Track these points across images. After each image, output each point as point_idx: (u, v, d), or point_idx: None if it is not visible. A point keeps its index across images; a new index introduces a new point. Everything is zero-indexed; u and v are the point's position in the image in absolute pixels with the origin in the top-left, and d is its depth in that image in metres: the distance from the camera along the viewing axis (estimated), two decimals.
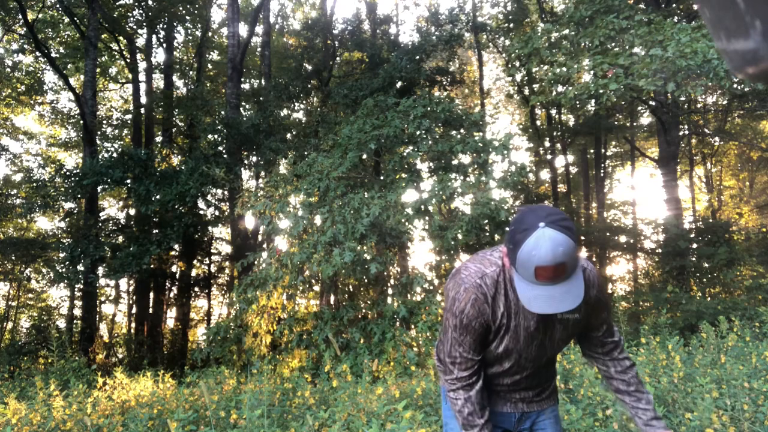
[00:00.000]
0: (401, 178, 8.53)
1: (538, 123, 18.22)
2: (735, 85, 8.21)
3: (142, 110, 15.80)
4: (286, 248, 7.91)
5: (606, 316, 1.58)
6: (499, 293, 1.45)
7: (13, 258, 15.55)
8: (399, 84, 11.61)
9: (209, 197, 12.90)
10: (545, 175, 19.53)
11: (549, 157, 17.94)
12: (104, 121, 18.95)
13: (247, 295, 7.72)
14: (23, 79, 16.76)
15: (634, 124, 17.64)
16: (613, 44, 8.16)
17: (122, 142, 18.46)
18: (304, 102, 14.94)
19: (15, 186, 17.70)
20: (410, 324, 7.12)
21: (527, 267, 1.27)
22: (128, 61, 16.52)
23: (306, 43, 14.97)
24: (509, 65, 17.20)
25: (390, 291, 8.86)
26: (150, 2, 15.57)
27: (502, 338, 1.50)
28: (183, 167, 11.21)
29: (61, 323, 17.72)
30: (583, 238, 14.66)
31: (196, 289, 16.90)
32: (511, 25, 16.96)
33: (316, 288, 10.10)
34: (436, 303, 7.02)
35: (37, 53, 14.79)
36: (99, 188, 12.57)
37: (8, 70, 16.22)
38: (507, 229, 1.48)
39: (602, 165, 18.74)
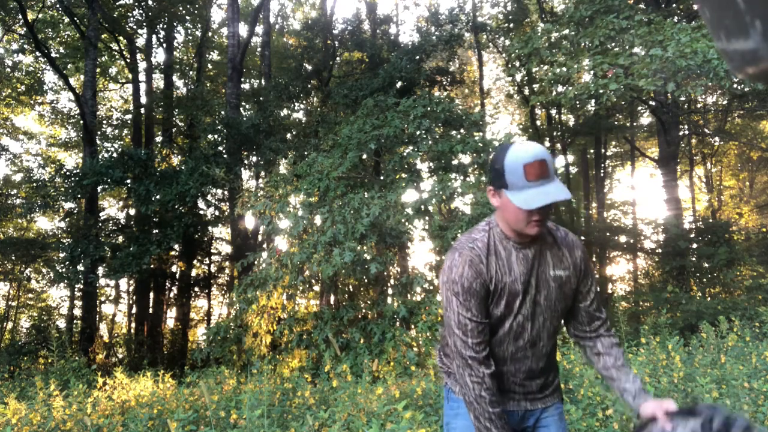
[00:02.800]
0: (401, 178, 8.53)
1: (538, 123, 18.23)
2: (735, 85, 8.21)
3: (142, 110, 15.80)
4: (286, 248, 7.92)
5: (593, 286, 1.64)
6: (491, 253, 1.55)
7: (13, 258, 15.55)
8: (399, 84, 11.61)
9: (209, 197, 12.90)
10: None
11: None
12: (104, 121, 18.95)
13: (247, 295, 7.72)
14: (23, 79, 16.76)
15: (634, 124, 17.64)
16: (613, 44, 8.16)
17: (122, 142, 18.46)
18: (304, 102, 14.94)
19: (15, 186, 17.70)
20: (410, 324, 7.12)
21: (516, 170, 1.42)
22: (128, 61, 16.51)
23: (306, 43, 14.97)
24: (509, 65, 17.20)
25: (390, 291, 8.86)
26: (150, 2, 15.56)
27: (500, 299, 1.54)
28: (183, 167, 11.21)
29: (61, 323, 17.72)
30: (583, 238, 14.65)
31: (196, 289, 16.90)
32: (511, 25, 16.96)
33: (316, 288, 10.10)
34: (436, 303, 7.02)
35: (37, 53, 14.79)
36: (99, 188, 12.57)
37: (8, 70, 16.22)
38: (489, 170, 1.58)
39: (602, 165, 18.75)
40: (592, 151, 18.72)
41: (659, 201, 20.90)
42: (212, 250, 18.01)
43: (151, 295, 15.55)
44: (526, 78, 16.66)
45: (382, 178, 9.21)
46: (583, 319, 1.65)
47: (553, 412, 1.69)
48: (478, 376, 1.52)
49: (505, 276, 1.54)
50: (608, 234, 15.30)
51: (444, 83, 14.69)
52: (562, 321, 1.68)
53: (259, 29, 16.18)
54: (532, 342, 1.60)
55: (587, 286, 1.63)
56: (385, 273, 8.12)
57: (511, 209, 1.47)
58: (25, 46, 15.61)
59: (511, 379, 1.63)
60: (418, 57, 12.06)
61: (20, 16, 12.35)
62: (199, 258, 17.17)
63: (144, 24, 16.25)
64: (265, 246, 12.71)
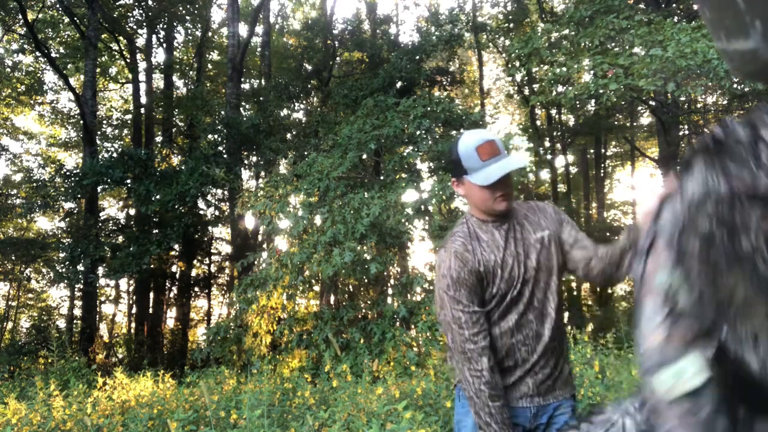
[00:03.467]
0: (401, 178, 8.53)
1: (538, 123, 18.22)
2: (735, 85, 8.21)
3: (142, 110, 15.80)
4: (286, 248, 7.92)
5: (574, 229, 1.67)
6: (473, 239, 1.61)
7: (13, 258, 15.54)
8: (399, 84, 11.61)
9: (209, 197, 12.89)
10: (545, 175, 19.55)
11: (549, 157, 17.95)
12: (104, 121, 18.95)
13: (247, 295, 7.71)
14: (23, 79, 16.75)
15: (634, 124, 17.64)
16: (613, 44, 8.16)
17: (122, 142, 18.46)
18: (304, 102, 14.94)
19: (15, 186, 17.69)
20: (410, 324, 7.11)
21: (471, 154, 1.55)
22: (128, 61, 16.51)
23: (306, 43, 14.97)
24: (509, 65, 17.19)
25: (390, 291, 8.86)
26: (150, 2, 15.56)
27: (495, 277, 1.57)
28: (183, 167, 11.21)
29: (61, 323, 17.72)
30: None
31: (196, 289, 16.89)
32: (511, 25, 16.95)
33: (316, 288, 10.10)
34: None
35: (37, 53, 14.78)
36: (99, 188, 12.56)
37: (8, 70, 16.22)
38: (448, 165, 1.67)
39: (602, 165, 18.75)
40: (592, 151, 18.72)
41: None
42: (212, 250, 18.01)
43: (151, 295, 15.55)
44: (526, 78, 16.65)
45: (382, 178, 9.21)
46: (582, 252, 1.63)
47: (566, 408, 1.66)
48: (477, 369, 1.51)
49: (492, 254, 1.59)
50: (608, 234, 15.30)
51: (444, 83, 14.69)
52: (571, 272, 1.67)
53: (259, 29, 16.18)
54: (536, 306, 1.59)
55: (569, 232, 1.67)
56: (385, 273, 8.12)
57: (475, 192, 1.58)
58: (25, 46, 15.61)
59: (522, 351, 1.58)
60: (418, 57, 12.06)
61: (20, 16, 12.35)
62: (199, 258, 17.16)
63: (144, 24, 16.24)
64: (265, 246, 12.71)
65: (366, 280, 8.90)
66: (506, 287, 1.58)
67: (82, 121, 13.47)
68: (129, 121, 17.96)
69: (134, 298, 17.68)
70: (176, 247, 13.92)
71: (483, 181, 1.53)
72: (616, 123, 16.16)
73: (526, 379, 1.60)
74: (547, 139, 18.14)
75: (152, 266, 11.93)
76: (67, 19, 14.82)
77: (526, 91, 17.26)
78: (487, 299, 1.59)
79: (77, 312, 16.20)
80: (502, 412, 1.51)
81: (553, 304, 1.62)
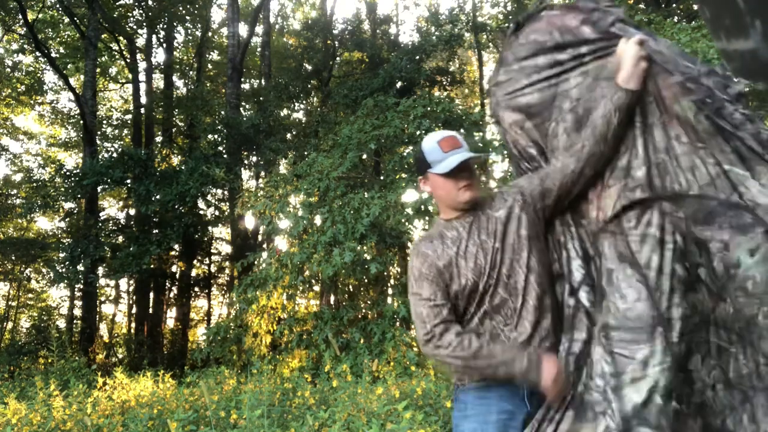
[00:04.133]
0: (401, 178, 8.53)
1: None
2: None
3: (142, 110, 15.79)
4: (286, 248, 7.92)
5: (537, 174, 1.68)
6: (437, 238, 1.64)
7: (13, 258, 15.54)
8: (399, 84, 11.61)
9: (209, 197, 12.90)
10: None
11: None
12: (104, 121, 18.94)
13: (247, 295, 7.72)
14: (23, 79, 16.75)
15: None
16: None
17: (122, 142, 18.46)
18: (304, 102, 14.95)
19: (15, 186, 17.69)
20: (410, 324, 7.11)
21: (433, 148, 1.62)
22: (128, 61, 16.51)
23: (306, 43, 14.97)
24: None
25: (390, 291, 8.86)
26: (150, 2, 15.56)
27: (458, 271, 1.56)
28: (183, 167, 11.21)
29: (61, 323, 17.71)
30: None
31: (196, 289, 16.89)
32: (511, 25, 16.92)
33: (316, 288, 10.11)
34: None
35: (37, 53, 14.78)
36: (99, 188, 12.56)
37: (8, 70, 16.23)
38: (414, 167, 1.75)
39: None
40: None
41: None
42: (212, 250, 18.01)
43: (151, 295, 15.54)
44: None
45: (382, 178, 9.21)
46: (560, 177, 1.60)
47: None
48: (448, 344, 1.47)
49: (454, 247, 1.59)
50: None
51: (444, 83, 14.69)
52: (569, 192, 1.61)
53: (259, 29, 16.18)
54: (507, 282, 1.54)
55: (534, 182, 1.64)
56: (385, 273, 8.12)
57: (440, 184, 1.62)
58: (25, 46, 15.61)
59: (505, 331, 1.53)
60: (418, 57, 12.06)
61: (20, 16, 12.35)
62: (199, 258, 17.16)
63: (144, 24, 16.24)
64: (265, 246, 12.71)
65: (366, 280, 8.90)
66: (475, 276, 1.55)
67: (82, 121, 13.47)
68: (129, 121, 17.96)
69: (134, 298, 17.67)
70: (176, 247, 13.92)
71: (445, 168, 1.57)
72: None
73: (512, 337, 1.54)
74: None
75: (152, 266, 11.92)
76: (67, 19, 14.82)
77: None
78: (459, 291, 1.56)
79: (77, 312, 16.21)
80: (489, 342, 1.48)
81: (525, 276, 1.55)
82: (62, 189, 11.46)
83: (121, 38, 16.24)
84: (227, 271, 17.44)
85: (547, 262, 1.62)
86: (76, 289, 15.78)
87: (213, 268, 18.37)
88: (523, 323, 1.53)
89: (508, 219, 1.61)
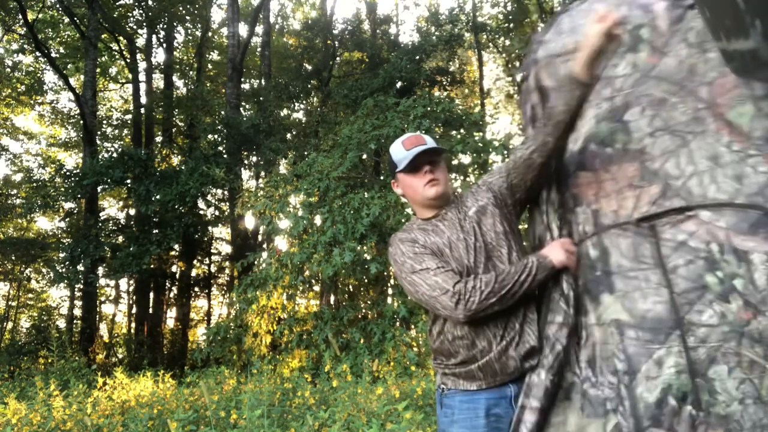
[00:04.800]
0: None
1: None
2: None
3: (142, 110, 15.79)
4: (286, 248, 7.92)
5: (505, 166, 1.68)
6: (417, 230, 1.65)
7: (13, 258, 15.55)
8: (399, 84, 11.62)
9: (209, 197, 12.90)
10: None
11: None
12: (104, 121, 18.94)
13: (247, 295, 7.72)
14: (23, 79, 16.75)
15: None
16: None
17: (122, 142, 18.46)
18: (304, 102, 14.95)
19: (15, 186, 17.70)
20: (410, 324, 7.12)
21: (398, 149, 1.66)
22: (128, 61, 16.51)
23: (306, 43, 14.98)
24: (509, 65, 17.21)
25: (390, 291, 8.86)
26: (150, 2, 15.56)
27: (446, 255, 1.56)
28: (183, 167, 11.21)
29: (61, 323, 17.71)
30: None
31: (196, 289, 16.90)
32: (511, 25, 16.96)
33: (316, 288, 10.11)
34: None
35: (37, 53, 14.78)
36: (99, 188, 12.56)
37: (8, 70, 16.22)
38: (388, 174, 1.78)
39: None
40: None
41: None
42: (212, 250, 18.01)
43: (151, 295, 15.55)
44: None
45: (382, 178, 9.21)
46: (522, 169, 1.60)
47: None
48: (474, 290, 1.43)
49: (437, 237, 1.60)
50: None
51: (444, 83, 14.70)
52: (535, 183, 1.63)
53: (259, 29, 16.18)
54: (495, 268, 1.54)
55: (501, 178, 1.65)
56: (385, 273, 8.11)
57: (407, 182, 1.66)
58: (25, 46, 15.61)
59: (490, 326, 1.50)
60: (418, 57, 12.06)
61: (20, 16, 12.35)
62: (199, 258, 17.17)
63: (144, 24, 16.25)
64: (265, 246, 12.71)
65: (366, 280, 8.90)
66: (459, 267, 1.53)
67: (82, 121, 13.47)
68: (129, 121, 17.96)
69: (134, 298, 17.68)
70: (176, 247, 13.92)
71: (407, 161, 1.61)
72: None
73: (509, 352, 1.50)
74: None
75: (152, 266, 11.93)
76: (67, 19, 14.82)
77: None
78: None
79: (77, 312, 16.21)
80: (505, 269, 1.48)
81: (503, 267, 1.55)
82: (62, 189, 11.46)
83: (121, 38, 16.24)
84: (227, 271, 17.44)
85: (525, 254, 1.61)
86: (76, 289, 15.77)
87: (213, 268, 18.37)
88: (501, 320, 1.51)
89: (483, 216, 1.61)
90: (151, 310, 15.27)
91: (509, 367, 1.50)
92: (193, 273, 17.01)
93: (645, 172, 1.45)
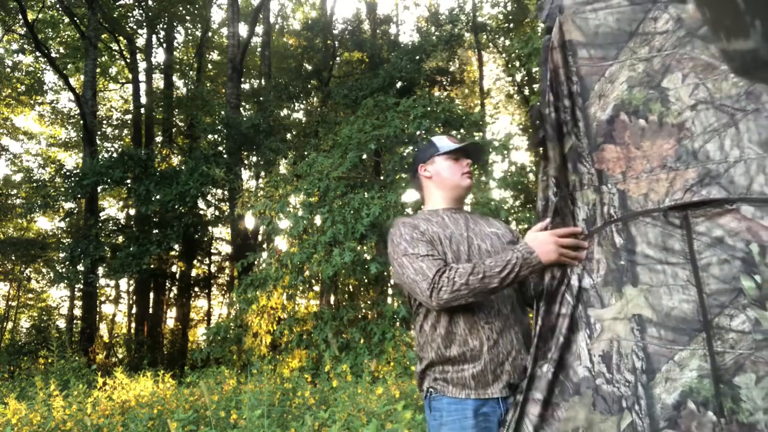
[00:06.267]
0: (401, 178, 8.53)
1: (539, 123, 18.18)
2: None
3: (142, 110, 15.80)
4: (286, 248, 7.91)
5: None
6: (421, 219, 1.70)
7: (13, 258, 15.56)
8: (399, 84, 11.61)
9: (209, 197, 12.90)
10: None
11: None
12: (104, 121, 18.95)
13: (247, 295, 7.72)
14: (23, 79, 16.75)
15: None
16: None
17: (122, 142, 18.46)
18: (304, 102, 14.94)
19: (15, 186, 17.70)
20: (410, 324, 7.11)
21: (442, 139, 1.80)
22: (128, 61, 16.51)
23: (306, 43, 14.97)
24: (509, 65, 17.21)
25: (390, 291, 8.86)
26: (150, 2, 15.57)
27: (443, 247, 1.60)
28: (183, 167, 11.21)
29: (61, 323, 17.72)
30: None
31: (196, 289, 16.90)
32: (511, 25, 16.95)
33: (316, 288, 10.10)
34: None
35: (37, 53, 14.79)
36: (99, 188, 12.56)
37: (8, 70, 16.22)
38: (412, 163, 1.88)
39: None
40: None
41: None
42: (212, 250, 18.01)
43: (151, 295, 15.55)
44: (526, 78, 16.64)
45: (382, 178, 9.21)
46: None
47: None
48: (447, 280, 1.45)
49: (440, 229, 1.65)
50: None
51: (444, 83, 14.70)
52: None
53: (259, 29, 16.18)
54: (502, 310, 1.58)
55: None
56: (385, 273, 8.11)
57: (444, 165, 1.76)
58: (25, 46, 15.61)
59: (485, 329, 1.53)
60: (418, 57, 12.06)
61: (20, 16, 12.36)
62: (199, 258, 17.17)
63: (144, 24, 16.25)
64: (265, 246, 12.71)
65: (366, 280, 8.90)
66: (453, 258, 1.58)
67: (82, 121, 13.47)
68: (129, 121, 17.96)
69: (134, 298, 17.68)
70: (176, 247, 13.93)
71: (451, 147, 1.75)
72: None
73: (505, 366, 1.53)
74: None
75: (152, 266, 11.93)
76: (67, 19, 14.83)
77: (526, 91, 17.26)
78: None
79: (77, 312, 16.22)
80: (483, 261, 1.48)
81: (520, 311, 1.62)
82: (62, 189, 11.46)
83: (121, 38, 16.24)
84: (227, 271, 17.45)
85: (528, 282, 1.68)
86: (76, 289, 15.79)
87: (213, 268, 18.37)
88: (500, 326, 1.55)
89: (500, 238, 1.70)
90: (151, 310, 15.27)
91: (501, 381, 1.52)
92: (193, 273, 17.01)
93: (682, 152, 1.26)
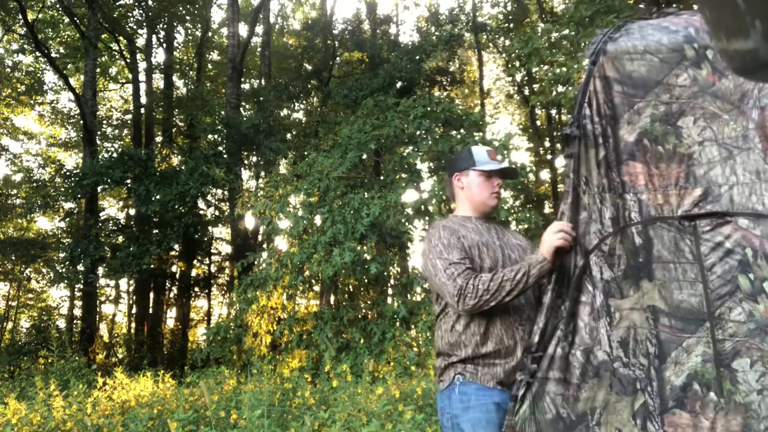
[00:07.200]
0: (401, 178, 8.52)
1: (538, 123, 18.22)
2: None
3: (142, 110, 15.79)
4: (286, 248, 7.91)
5: None
6: (458, 224, 1.83)
7: (13, 258, 15.55)
8: (399, 84, 11.61)
9: (209, 197, 12.89)
10: (545, 175, 19.52)
11: (549, 157, 17.94)
12: (104, 121, 18.93)
13: (247, 295, 7.71)
14: (23, 79, 16.74)
15: None
16: None
17: (122, 142, 18.45)
18: (304, 102, 14.93)
19: (15, 186, 17.69)
20: (410, 324, 7.11)
21: (482, 153, 1.89)
22: (128, 61, 16.50)
23: (306, 43, 14.97)
24: (509, 65, 17.21)
25: (390, 291, 8.86)
26: (150, 2, 15.56)
27: (480, 253, 1.74)
28: (183, 167, 11.20)
29: (61, 323, 17.71)
30: None
31: (196, 289, 16.89)
32: (511, 25, 16.95)
33: (316, 288, 10.10)
34: None
35: (37, 53, 14.77)
36: (99, 188, 12.55)
37: (8, 70, 16.22)
38: (449, 165, 1.98)
39: None
40: None
41: None
42: (212, 250, 18.00)
43: (151, 295, 15.54)
44: (526, 78, 16.64)
45: (382, 178, 9.21)
46: None
47: None
48: (472, 287, 1.60)
49: (477, 235, 1.78)
50: None
51: (444, 83, 14.70)
52: None
53: (259, 29, 16.17)
54: (526, 314, 1.75)
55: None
56: (385, 273, 8.12)
57: (477, 182, 1.86)
58: (25, 46, 15.60)
59: (519, 331, 1.69)
60: (418, 57, 12.05)
61: (20, 16, 12.35)
62: (199, 258, 17.16)
63: (144, 24, 16.24)
64: (265, 246, 12.71)
65: (366, 280, 8.89)
66: (492, 263, 1.73)
67: (82, 121, 13.47)
68: (129, 121, 17.95)
69: (134, 298, 17.67)
70: (176, 247, 13.92)
71: (488, 167, 1.84)
72: None
73: (518, 348, 1.69)
74: (547, 139, 18.13)
75: (152, 266, 11.92)
76: (67, 19, 14.81)
77: (526, 91, 17.25)
78: (479, 268, 1.73)
79: (77, 312, 16.21)
80: (501, 270, 1.65)
81: (535, 294, 1.77)
82: (62, 189, 11.45)
83: (121, 38, 16.23)
84: (227, 271, 17.44)
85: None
86: (76, 289, 15.77)
87: (213, 268, 18.36)
88: (526, 319, 1.72)
89: (525, 249, 1.86)
90: (151, 310, 15.26)
91: (495, 377, 1.70)
92: (193, 273, 17.00)
93: (691, 175, 1.57)
